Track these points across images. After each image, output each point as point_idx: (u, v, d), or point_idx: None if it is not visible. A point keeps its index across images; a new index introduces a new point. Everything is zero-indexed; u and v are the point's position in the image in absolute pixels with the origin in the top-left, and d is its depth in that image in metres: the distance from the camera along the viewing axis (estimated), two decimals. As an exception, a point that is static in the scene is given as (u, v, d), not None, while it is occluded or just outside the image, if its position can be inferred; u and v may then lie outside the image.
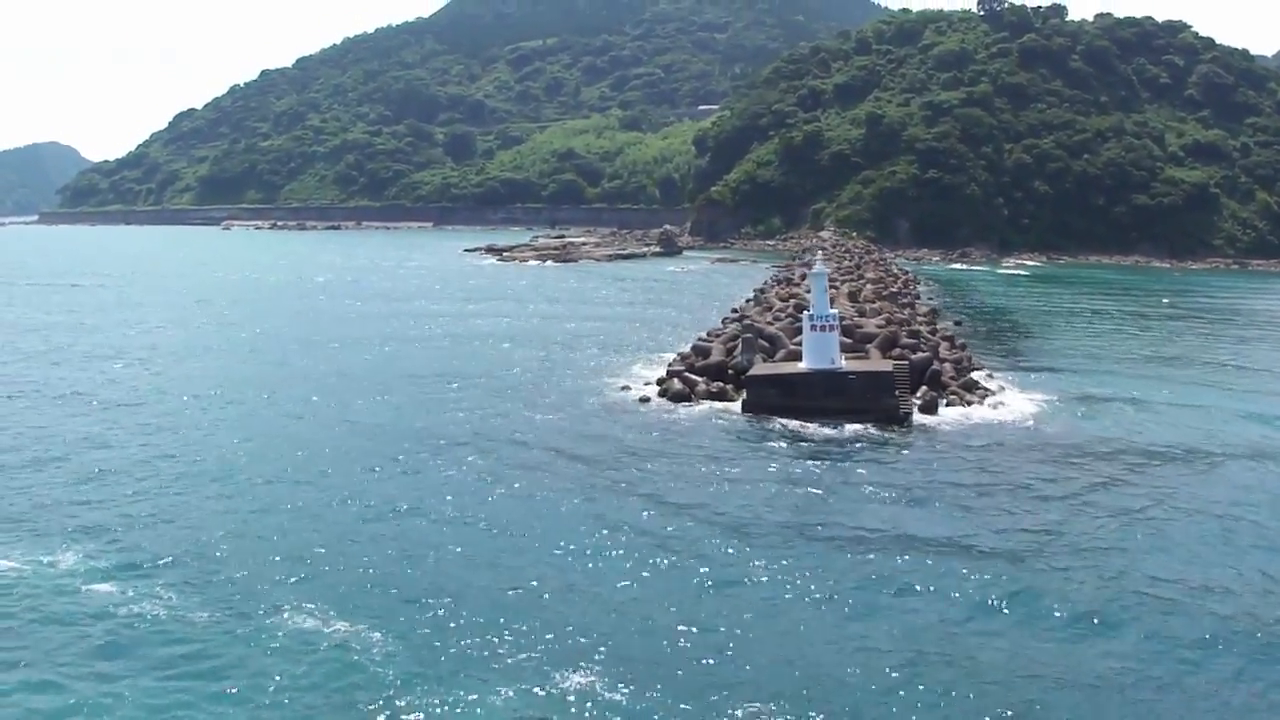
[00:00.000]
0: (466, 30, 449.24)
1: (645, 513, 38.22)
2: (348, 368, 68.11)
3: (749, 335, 60.79)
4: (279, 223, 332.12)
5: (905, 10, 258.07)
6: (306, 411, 55.54)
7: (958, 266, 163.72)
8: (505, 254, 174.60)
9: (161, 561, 34.08)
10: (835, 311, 57.22)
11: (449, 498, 40.08)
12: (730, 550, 34.59)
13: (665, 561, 33.57)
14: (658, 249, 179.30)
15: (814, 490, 41.23)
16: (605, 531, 36.18)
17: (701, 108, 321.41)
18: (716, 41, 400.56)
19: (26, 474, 44.60)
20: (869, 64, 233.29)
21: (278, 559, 33.99)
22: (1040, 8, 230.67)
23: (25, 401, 59.93)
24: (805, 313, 56.91)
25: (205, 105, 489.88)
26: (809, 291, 66.00)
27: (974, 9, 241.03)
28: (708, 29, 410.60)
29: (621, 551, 34.43)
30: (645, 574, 32.61)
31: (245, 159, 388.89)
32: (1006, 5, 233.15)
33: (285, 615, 29.59)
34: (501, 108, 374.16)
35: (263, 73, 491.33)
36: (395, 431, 50.59)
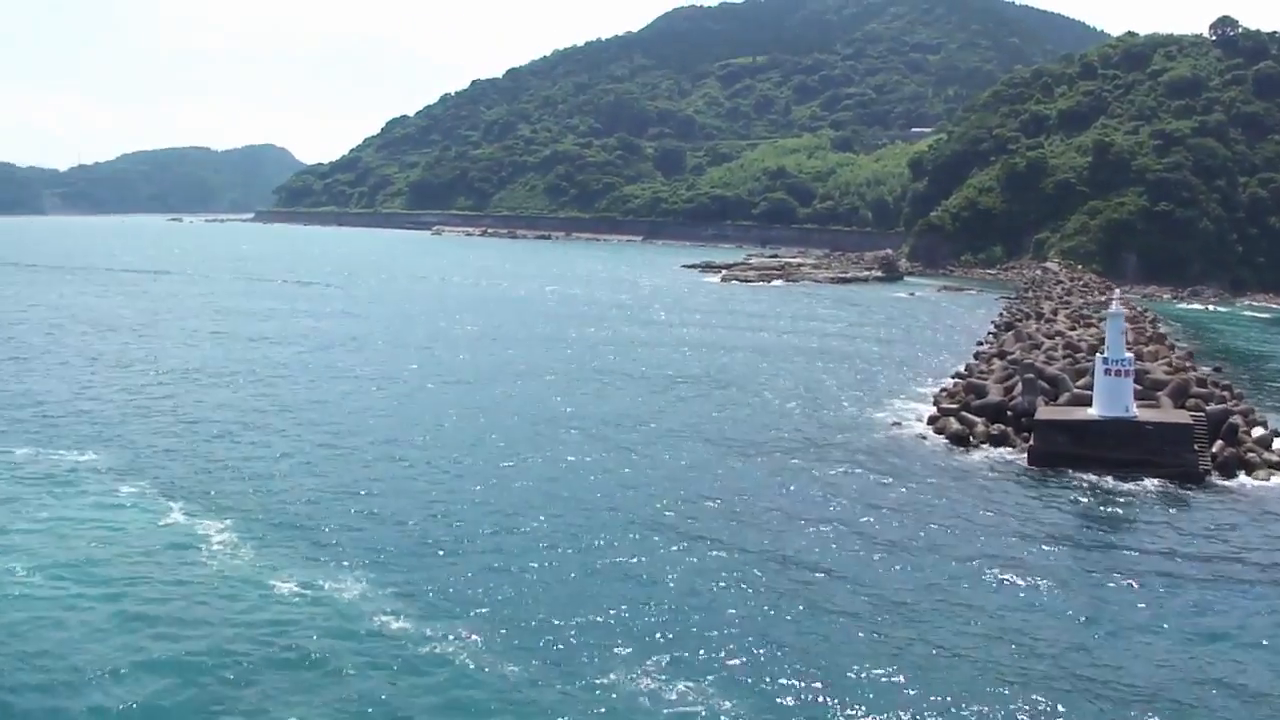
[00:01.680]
0: (675, 46, 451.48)
1: (952, 569, 36.19)
2: (625, 409, 64.69)
3: (1029, 376, 58.38)
4: (489, 230, 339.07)
5: (1131, 34, 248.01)
6: (600, 456, 52.31)
7: (1191, 306, 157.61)
8: (725, 272, 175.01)
9: (455, 596, 33.24)
10: (1130, 356, 54.54)
11: (741, 546, 38.19)
12: (1034, 625, 31.71)
13: (967, 632, 31.20)
14: (879, 273, 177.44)
15: (1123, 557, 38.46)
16: (910, 591, 34.07)
17: (914, 130, 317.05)
18: (929, 63, 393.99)
19: (305, 491, 44.94)
20: (1095, 89, 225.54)
21: (601, 616, 31.90)
22: (1277, 33, 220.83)
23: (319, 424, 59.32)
24: (1099, 355, 54.43)
25: (417, 112, 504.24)
26: (1081, 327, 64.11)
27: (1205, 34, 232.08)
28: (920, 50, 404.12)
29: (911, 607, 32.69)
30: (947, 636, 30.71)
31: (456, 166, 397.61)
32: (1241, 30, 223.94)
33: (616, 676, 27.71)
34: (711, 124, 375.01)
35: (473, 82, 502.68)
36: (687, 481, 47.60)
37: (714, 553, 37.64)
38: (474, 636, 29.95)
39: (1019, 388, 58.30)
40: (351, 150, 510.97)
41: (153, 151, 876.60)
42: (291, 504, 43.12)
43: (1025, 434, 53.69)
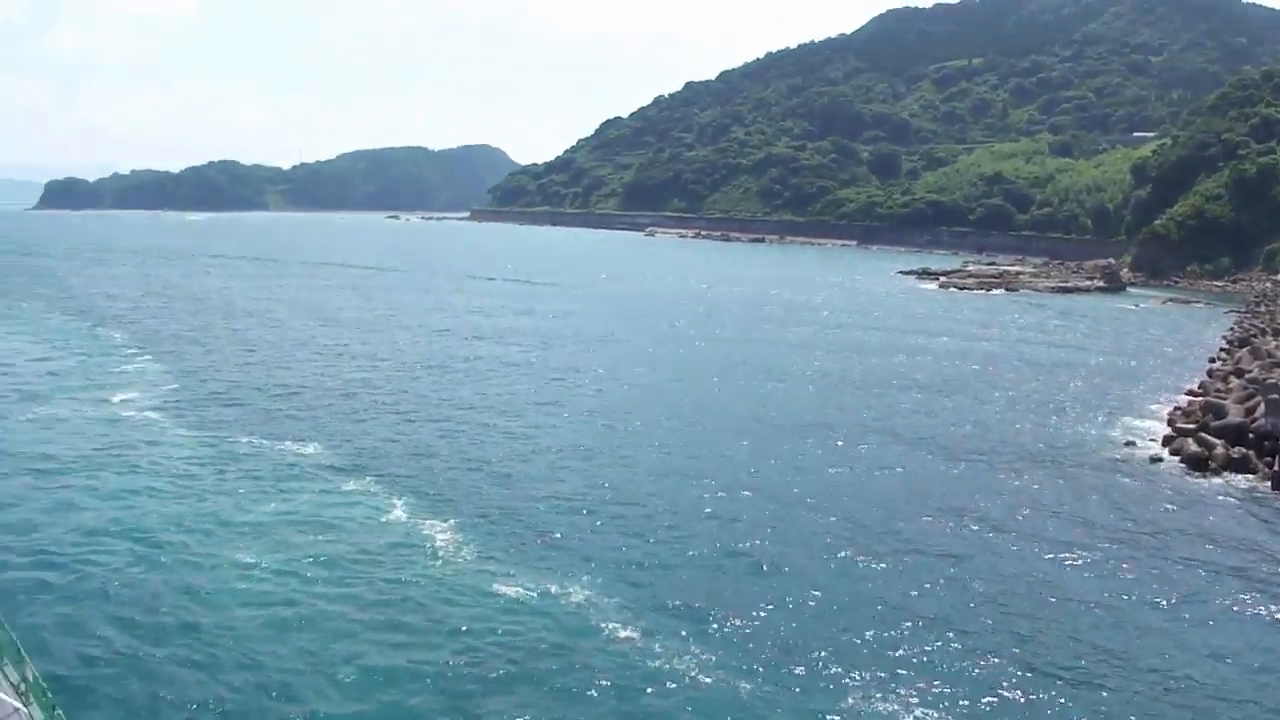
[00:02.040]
0: (889, 48, 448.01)
1: (1199, 610, 33.67)
2: (852, 414, 63.67)
3: (1274, 397, 55.67)
4: (703, 232, 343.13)
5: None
6: (829, 463, 51.68)
7: None
8: (943, 279, 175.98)
9: (683, 607, 32.42)
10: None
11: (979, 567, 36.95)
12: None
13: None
14: (1100, 284, 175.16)
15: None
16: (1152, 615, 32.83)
17: (1136, 134, 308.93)
18: (1151, 65, 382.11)
19: (528, 491, 44.79)
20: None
21: (835, 634, 30.82)
22: None
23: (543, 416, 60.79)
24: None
25: (631, 114, 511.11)
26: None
27: None
28: (1141, 51, 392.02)
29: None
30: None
31: (669, 168, 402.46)
32: None
33: (854, 701, 26.72)
34: (926, 127, 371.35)
35: (687, 84, 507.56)
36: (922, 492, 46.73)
37: (949, 571, 36.58)
38: (705, 652, 29.07)
39: (1262, 409, 55.94)
40: (566, 151, 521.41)
41: (372, 150, 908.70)
42: (515, 504, 42.95)
43: (1269, 459, 51.36)
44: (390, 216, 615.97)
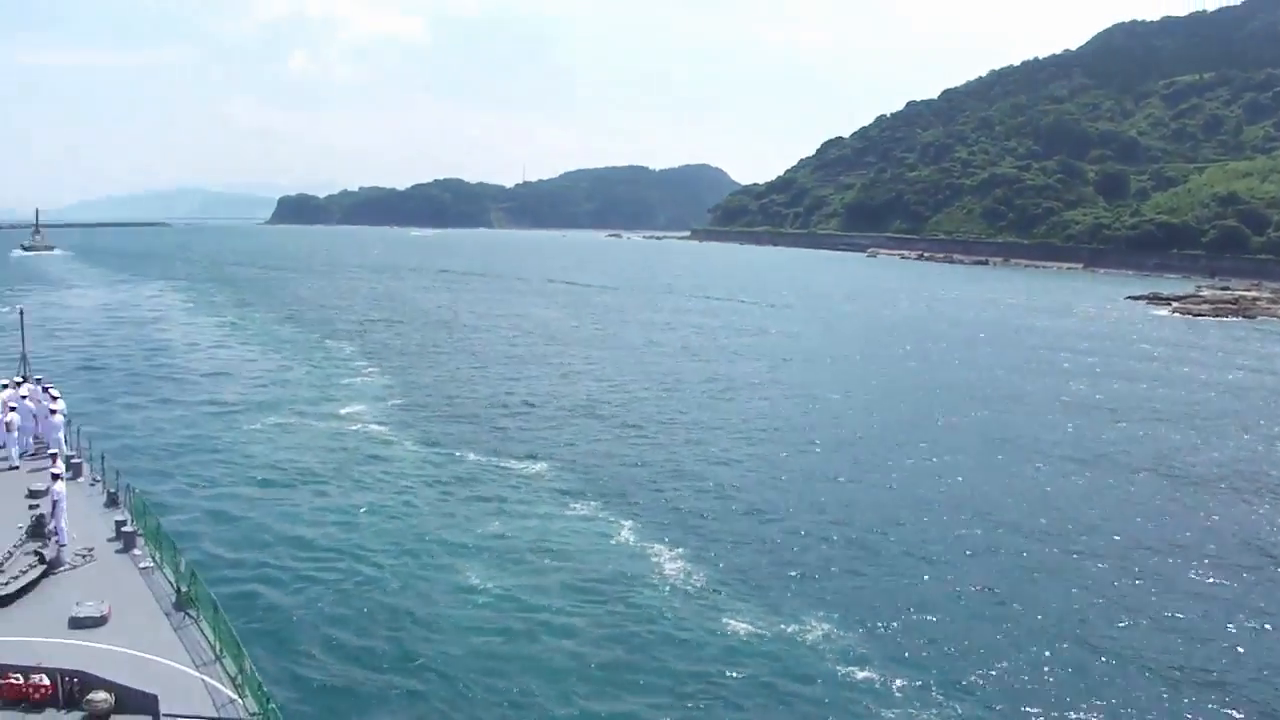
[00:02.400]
0: (1116, 64, 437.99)
1: None
2: (1088, 442, 62.20)
3: None
4: (925, 253, 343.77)
5: None
6: (1065, 492, 50.30)
7: None
8: (1175, 304, 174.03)
9: (923, 653, 31.14)
10: None
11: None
12: None
13: None
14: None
15: None
16: None
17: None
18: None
19: (760, 520, 43.89)
20: None
21: (1087, 692, 29.16)
22: None
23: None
24: None
25: (852, 134, 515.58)
26: None
27: None
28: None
29: None
30: None
31: (891, 188, 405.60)
32: None
33: None
34: (1155, 146, 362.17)
35: (908, 104, 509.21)
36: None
37: (1197, 611, 35.17)
38: (953, 705, 27.96)
39: None
40: (787, 170, 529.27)
41: (593, 169, 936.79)
42: (748, 532, 41.99)
43: None
44: (611, 235, 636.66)
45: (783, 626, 32.08)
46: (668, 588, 35.07)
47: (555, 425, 62.12)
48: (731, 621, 32.22)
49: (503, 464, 51.72)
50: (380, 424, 61.00)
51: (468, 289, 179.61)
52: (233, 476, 48.67)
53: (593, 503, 45.28)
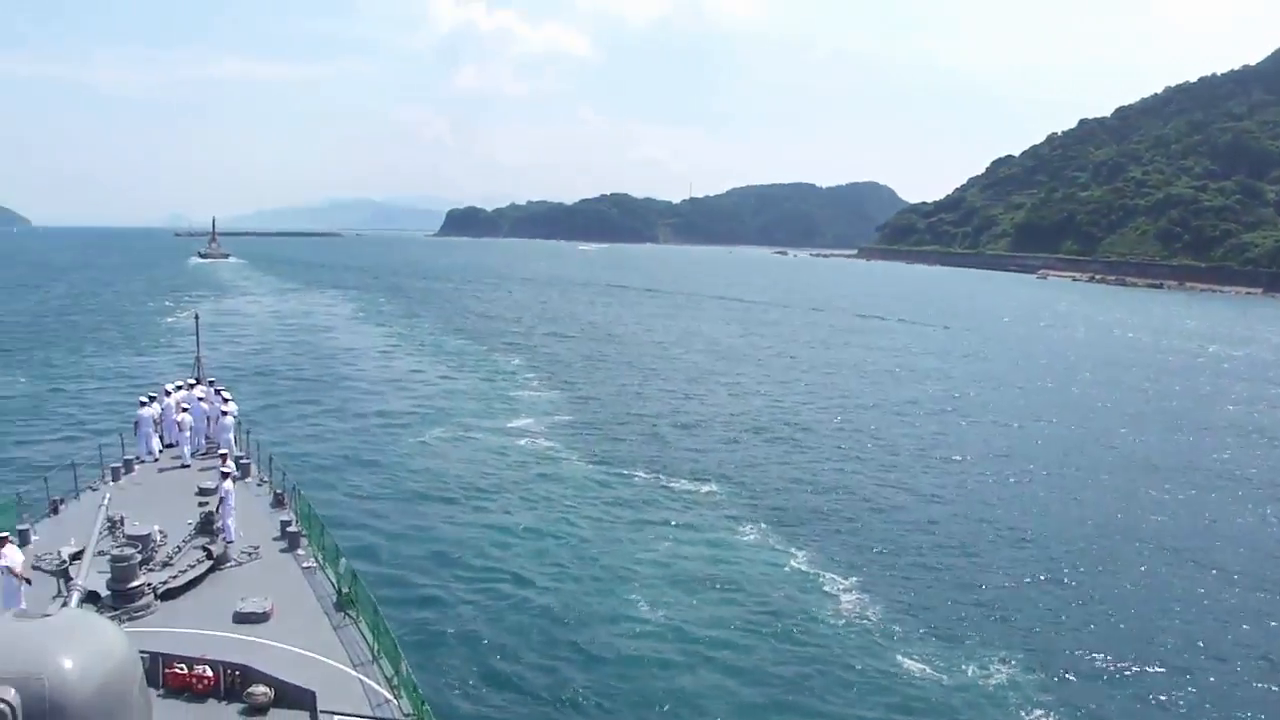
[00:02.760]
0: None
1: None
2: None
3: None
4: (1097, 276, 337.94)
5: None
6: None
7: None
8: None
9: (1118, 706, 28.95)
10: None
11: None
12: None
13: None
14: None
15: None
16: None
17: None
18: None
19: (941, 553, 41.93)
20: None
21: None
22: None
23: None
24: None
25: (1022, 153, 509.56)
26: None
27: None
28: None
29: None
30: None
31: (1062, 208, 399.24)
32: None
33: None
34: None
35: (1081, 121, 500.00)
36: None
37: None
38: None
39: None
40: (955, 189, 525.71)
41: (760, 186, 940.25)
42: (928, 564, 40.28)
43: None
44: (777, 252, 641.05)
45: (964, 670, 30.30)
46: (841, 622, 33.37)
47: (724, 445, 60.96)
48: (908, 661, 30.59)
49: (670, 484, 50.79)
50: (546, 439, 60.57)
51: (635, 304, 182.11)
52: (395, 485, 49.38)
53: (763, 527, 44.01)
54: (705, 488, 50.15)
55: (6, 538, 22.96)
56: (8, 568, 22.18)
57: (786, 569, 38.50)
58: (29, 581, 23.00)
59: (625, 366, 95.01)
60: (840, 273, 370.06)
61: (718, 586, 36.32)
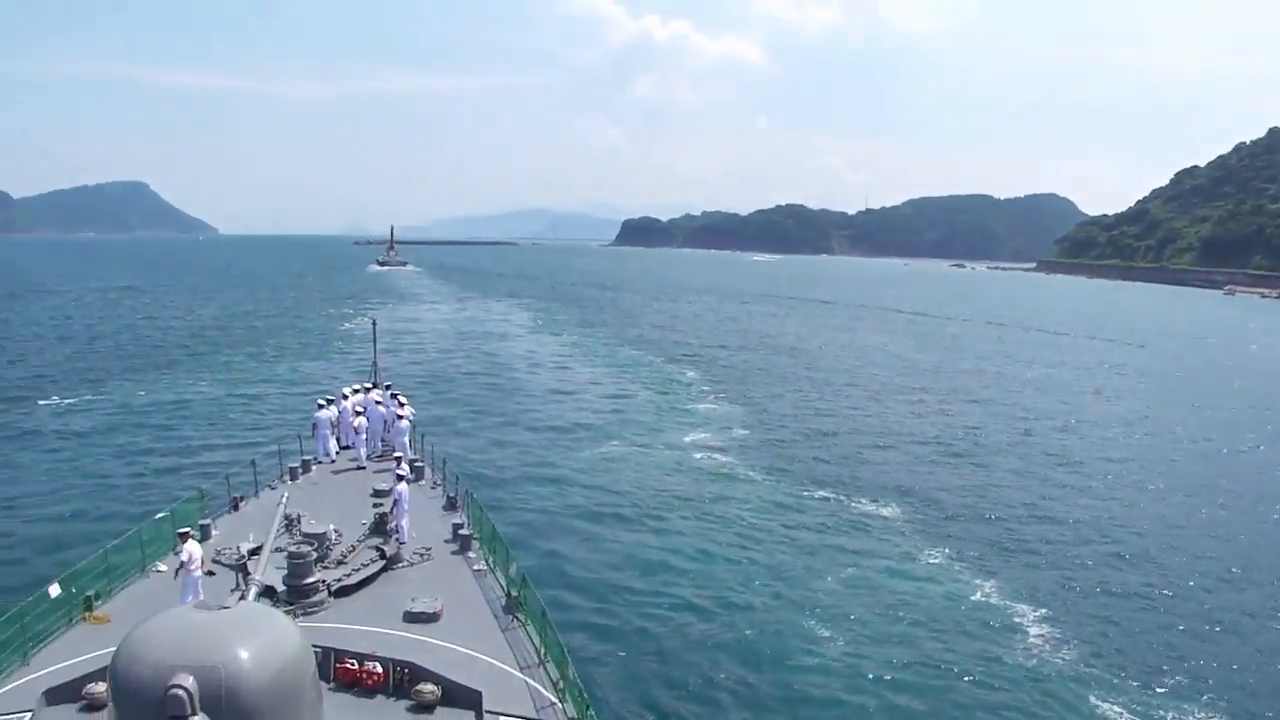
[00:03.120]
0: None
1: None
2: None
3: None
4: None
5: None
6: None
7: None
8: None
9: None
10: None
11: None
12: None
13: None
14: None
15: None
16: None
17: None
18: None
19: (1142, 591, 39.32)
20: None
21: None
22: None
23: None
24: None
25: (1209, 163, 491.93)
26: None
27: None
28: None
29: None
30: None
31: (1251, 221, 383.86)
32: None
33: None
34: None
35: (1270, 130, 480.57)
36: None
37: None
38: None
39: None
40: (1137, 202, 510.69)
41: (937, 198, 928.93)
42: (1124, 599, 38.16)
43: None
44: (955, 265, 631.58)
45: (1161, 715, 28.50)
46: (1033, 660, 31.42)
47: (906, 465, 59.13)
48: (1101, 704, 28.64)
49: (851, 504, 49.45)
50: (722, 454, 59.61)
51: (813, 316, 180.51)
52: (567, 496, 49.19)
53: (948, 552, 42.25)
54: (886, 510, 48.68)
55: (188, 533, 24.18)
56: (185, 561, 23.21)
57: (973, 599, 36.83)
58: (212, 573, 24.27)
59: (802, 380, 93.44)
60: (1022, 287, 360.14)
61: (897, 617, 34.75)
